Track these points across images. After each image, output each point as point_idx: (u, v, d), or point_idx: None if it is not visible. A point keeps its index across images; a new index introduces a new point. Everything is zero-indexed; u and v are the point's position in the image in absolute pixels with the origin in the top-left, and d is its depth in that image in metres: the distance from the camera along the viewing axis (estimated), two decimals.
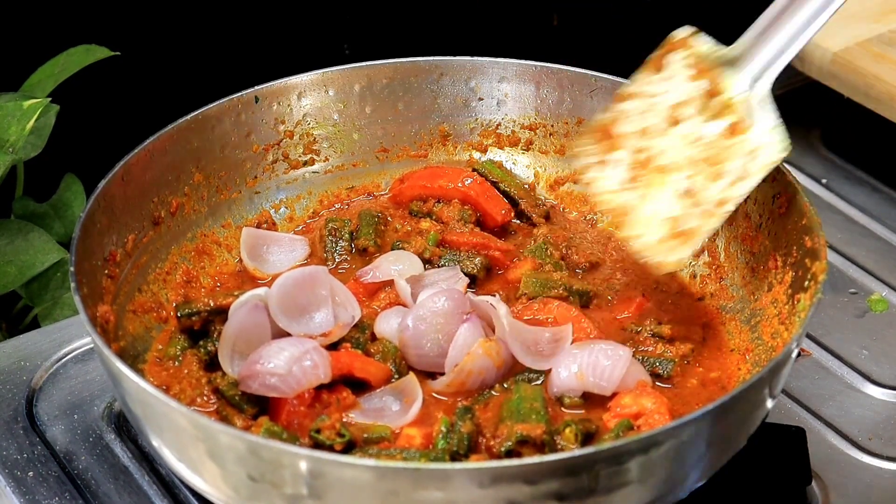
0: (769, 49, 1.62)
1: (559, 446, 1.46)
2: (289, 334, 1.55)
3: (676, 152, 1.61)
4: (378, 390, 1.53)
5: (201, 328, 1.59)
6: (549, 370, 1.54)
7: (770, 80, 1.62)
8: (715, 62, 1.63)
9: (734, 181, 1.58)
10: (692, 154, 1.61)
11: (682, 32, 1.65)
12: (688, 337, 1.63)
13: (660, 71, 1.64)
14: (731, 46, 1.62)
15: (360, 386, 1.53)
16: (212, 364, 1.56)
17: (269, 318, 1.56)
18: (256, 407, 1.50)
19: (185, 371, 1.55)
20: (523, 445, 1.44)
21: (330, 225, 1.75)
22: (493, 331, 1.56)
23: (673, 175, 1.60)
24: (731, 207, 1.58)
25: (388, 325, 1.59)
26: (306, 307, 1.57)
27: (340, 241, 1.74)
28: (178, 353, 1.58)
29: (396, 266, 1.67)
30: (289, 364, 1.48)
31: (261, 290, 1.57)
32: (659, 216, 1.60)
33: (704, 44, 1.64)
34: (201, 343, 1.58)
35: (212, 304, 1.59)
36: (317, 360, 1.49)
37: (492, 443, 1.46)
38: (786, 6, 1.61)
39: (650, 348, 1.59)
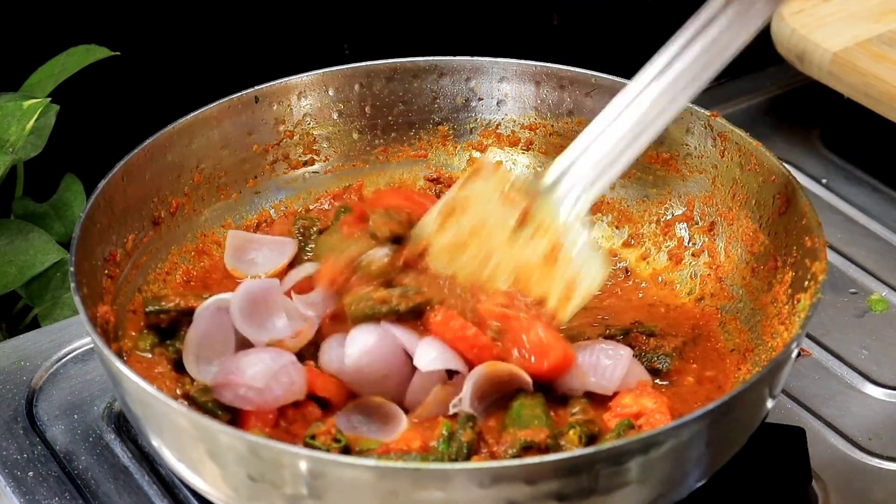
0: (583, 176, 1.59)
1: (564, 449, 1.45)
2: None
3: (505, 266, 1.60)
4: (345, 409, 1.51)
5: (168, 327, 1.58)
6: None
7: (586, 207, 1.59)
8: (527, 190, 1.60)
9: (558, 302, 1.57)
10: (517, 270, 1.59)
11: (488, 160, 1.66)
12: (677, 336, 1.63)
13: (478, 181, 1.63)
14: (543, 175, 1.60)
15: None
16: (180, 363, 1.55)
17: (232, 323, 1.54)
18: (230, 414, 1.49)
19: (158, 370, 1.54)
20: (528, 451, 1.44)
21: (299, 223, 1.74)
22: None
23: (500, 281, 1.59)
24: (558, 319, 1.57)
25: (329, 357, 1.54)
26: (265, 317, 1.56)
27: (309, 242, 1.72)
28: (147, 348, 1.56)
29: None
30: (266, 378, 1.47)
31: (227, 295, 1.56)
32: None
33: (512, 174, 1.62)
34: (169, 342, 1.57)
35: (181, 305, 1.58)
36: (294, 377, 1.48)
37: (495, 449, 1.46)
38: (598, 134, 1.59)
39: (643, 346, 1.59)
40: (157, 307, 1.58)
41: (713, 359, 1.62)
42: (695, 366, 1.60)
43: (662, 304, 1.71)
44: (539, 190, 1.60)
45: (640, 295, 1.73)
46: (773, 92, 2.25)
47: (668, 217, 1.77)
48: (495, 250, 1.59)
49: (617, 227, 1.80)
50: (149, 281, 1.66)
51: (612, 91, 1.67)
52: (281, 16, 2.23)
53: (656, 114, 1.58)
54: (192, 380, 1.52)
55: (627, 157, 1.59)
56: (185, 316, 1.57)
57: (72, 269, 1.49)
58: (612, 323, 1.65)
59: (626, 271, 1.76)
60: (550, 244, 1.58)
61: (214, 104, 1.74)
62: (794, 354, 1.47)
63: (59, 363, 1.73)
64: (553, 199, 1.59)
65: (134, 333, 1.58)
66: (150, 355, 1.56)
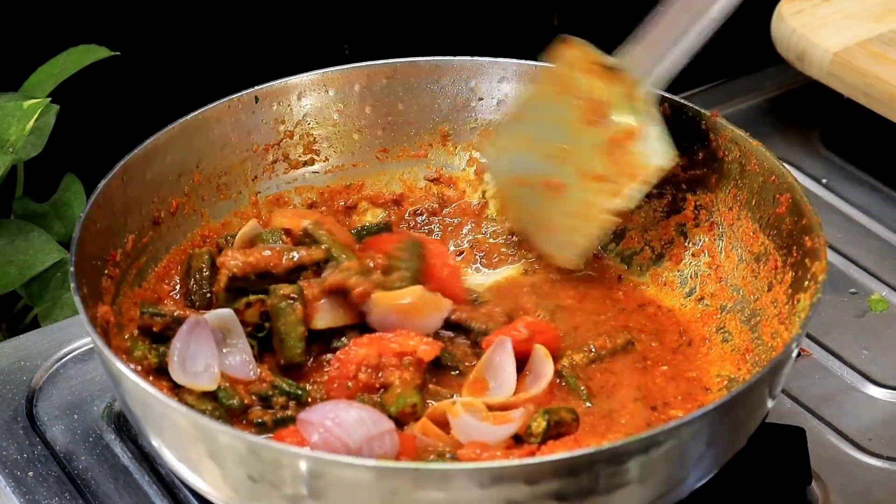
0: (657, 57, 1.65)
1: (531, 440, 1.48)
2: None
3: (578, 151, 1.67)
4: None
5: (161, 332, 1.58)
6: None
7: (658, 87, 1.66)
8: (606, 68, 1.67)
9: (620, 186, 1.63)
10: (587, 156, 1.66)
11: (571, 40, 1.71)
12: (662, 344, 1.66)
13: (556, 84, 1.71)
14: (619, 56, 1.67)
15: None
16: (161, 370, 1.55)
17: (212, 335, 1.54)
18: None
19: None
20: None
21: (192, 263, 1.68)
22: None
23: (570, 174, 1.67)
24: (615, 209, 1.64)
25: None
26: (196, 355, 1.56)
27: (203, 284, 1.66)
28: (140, 357, 1.55)
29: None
30: (362, 441, 1.43)
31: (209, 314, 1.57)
32: (551, 214, 1.69)
33: (595, 51, 1.68)
34: (154, 346, 1.56)
35: (175, 313, 1.58)
36: (387, 448, 1.44)
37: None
38: (672, 15, 1.65)
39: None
40: (153, 310, 1.58)
41: (693, 360, 1.62)
42: (665, 368, 1.62)
43: (653, 304, 1.73)
44: (614, 69, 1.65)
45: (637, 295, 1.74)
46: (773, 92, 2.25)
47: (668, 217, 1.77)
48: (565, 141, 1.67)
49: (617, 227, 1.79)
50: (150, 280, 1.66)
51: None
52: (281, 16, 2.23)
53: None
54: (190, 390, 1.52)
55: (700, 31, 1.64)
56: (179, 324, 1.56)
57: (72, 269, 1.49)
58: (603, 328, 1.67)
59: (619, 278, 1.76)
60: (622, 128, 1.64)
61: (214, 104, 1.74)
62: (794, 354, 1.47)
63: (59, 363, 1.73)
64: (627, 79, 1.65)
65: (127, 336, 1.59)
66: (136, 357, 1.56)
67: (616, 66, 1.67)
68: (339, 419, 1.44)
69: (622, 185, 1.65)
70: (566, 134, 1.68)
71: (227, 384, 1.53)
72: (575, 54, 1.70)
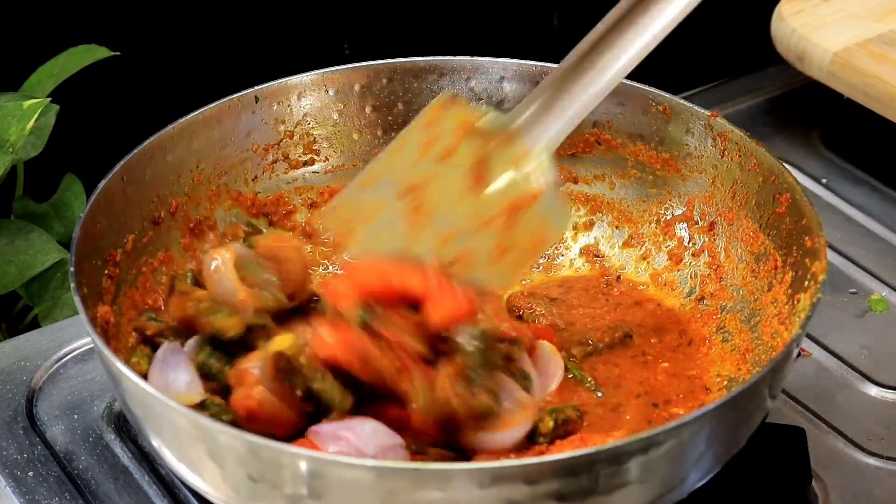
0: (554, 119, 1.58)
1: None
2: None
3: (454, 209, 1.57)
4: None
5: (152, 336, 1.57)
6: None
7: (551, 150, 1.58)
8: (492, 129, 1.59)
9: (528, 256, 1.57)
10: (483, 230, 1.56)
11: (446, 96, 1.64)
12: (662, 341, 1.66)
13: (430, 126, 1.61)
14: (509, 116, 1.60)
15: None
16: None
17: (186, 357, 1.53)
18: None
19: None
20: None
21: (175, 284, 1.62)
22: None
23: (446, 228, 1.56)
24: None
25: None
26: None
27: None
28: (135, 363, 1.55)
29: None
30: (376, 451, 1.43)
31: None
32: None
33: (477, 110, 1.61)
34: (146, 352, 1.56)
35: (171, 324, 1.56)
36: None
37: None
38: (566, 74, 1.58)
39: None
40: (153, 315, 1.58)
41: (694, 359, 1.62)
42: (665, 365, 1.62)
43: (652, 302, 1.72)
44: (503, 132, 1.57)
45: (635, 294, 1.74)
46: (773, 92, 2.25)
47: (668, 217, 1.77)
48: (449, 211, 1.55)
49: (617, 227, 1.80)
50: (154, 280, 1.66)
51: (612, 91, 1.66)
52: (281, 16, 2.23)
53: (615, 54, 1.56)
54: (215, 402, 1.49)
55: (589, 96, 1.57)
56: (173, 334, 1.56)
57: (72, 269, 1.49)
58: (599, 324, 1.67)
59: (618, 278, 1.76)
60: (515, 196, 1.55)
61: (214, 104, 1.74)
62: (794, 354, 1.47)
63: (59, 363, 1.73)
64: (518, 145, 1.57)
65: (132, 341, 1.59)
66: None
67: (502, 127, 1.60)
68: (354, 430, 1.44)
69: (529, 256, 1.57)
70: (449, 203, 1.56)
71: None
72: (455, 113, 1.62)
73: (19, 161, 1.97)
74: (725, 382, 1.60)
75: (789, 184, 1.62)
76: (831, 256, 1.87)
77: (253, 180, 1.79)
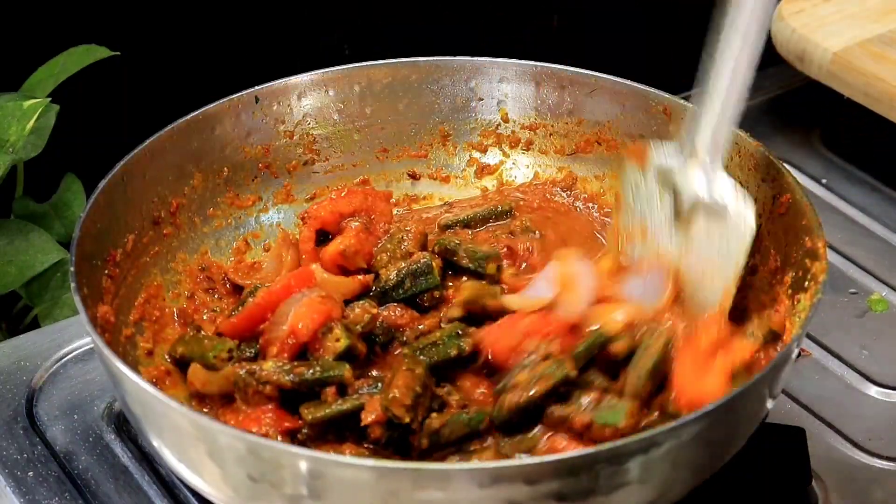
0: (708, 134, 1.57)
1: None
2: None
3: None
4: None
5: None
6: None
7: (721, 159, 1.58)
8: (670, 169, 1.60)
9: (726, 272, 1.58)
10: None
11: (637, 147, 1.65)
12: None
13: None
14: (676, 147, 1.60)
15: None
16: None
17: None
18: None
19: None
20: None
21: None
22: None
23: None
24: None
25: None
26: None
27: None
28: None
29: None
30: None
31: None
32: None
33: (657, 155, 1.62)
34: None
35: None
36: None
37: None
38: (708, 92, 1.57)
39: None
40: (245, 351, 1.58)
41: None
42: None
43: None
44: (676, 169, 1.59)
45: None
46: (773, 92, 2.25)
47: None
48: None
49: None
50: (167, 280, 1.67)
51: (612, 91, 1.67)
52: (281, 16, 2.23)
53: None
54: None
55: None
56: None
57: (72, 269, 1.49)
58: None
59: None
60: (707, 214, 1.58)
61: (214, 104, 1.75)
62: (794, 354, 1.47)
63: (59, 363, 1.73)
64: (690, 174, 1.58)
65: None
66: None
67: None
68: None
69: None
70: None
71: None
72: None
73: (19, 161, 1.97)
74: None
75: (789, 184, 1.62)
76: (831, 256, 1.87)
77: (253, 180, 1.79)
